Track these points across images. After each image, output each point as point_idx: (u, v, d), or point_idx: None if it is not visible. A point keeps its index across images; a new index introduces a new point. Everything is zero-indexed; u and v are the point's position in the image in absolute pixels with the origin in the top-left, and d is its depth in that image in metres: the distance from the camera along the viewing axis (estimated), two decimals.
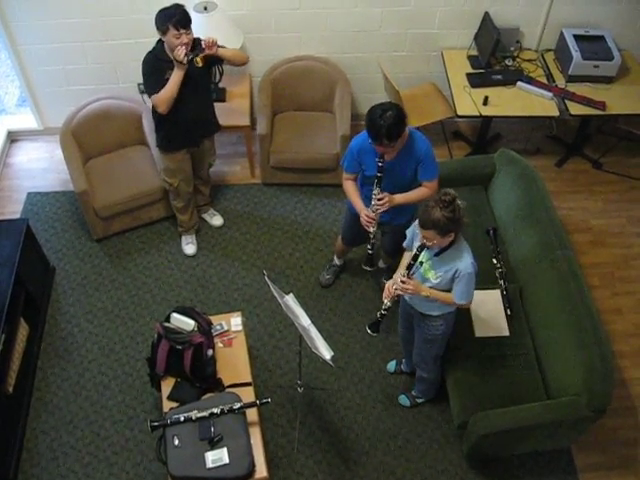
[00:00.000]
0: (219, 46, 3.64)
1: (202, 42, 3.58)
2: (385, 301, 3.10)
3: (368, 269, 3.76)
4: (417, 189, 3.45)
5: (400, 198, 3.40)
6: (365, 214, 3.41)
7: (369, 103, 5.23)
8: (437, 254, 2.93)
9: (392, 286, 3.04)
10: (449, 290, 2.99)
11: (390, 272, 4.24)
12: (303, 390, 3.66)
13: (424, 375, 3.59)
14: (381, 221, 3.55)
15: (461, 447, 3.59)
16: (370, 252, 3.63)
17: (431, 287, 3.01)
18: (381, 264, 4.30)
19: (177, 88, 3.60)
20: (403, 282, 2.97)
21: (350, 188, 3.54)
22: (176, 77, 3.58)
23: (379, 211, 3.37)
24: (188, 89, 3.68)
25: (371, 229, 3.46)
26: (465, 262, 2.89)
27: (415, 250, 2.93)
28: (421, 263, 2.98)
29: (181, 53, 3.48)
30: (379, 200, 3.33)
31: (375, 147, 3.19)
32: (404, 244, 3.20)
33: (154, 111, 3.80)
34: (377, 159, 3.24)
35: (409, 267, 2.98)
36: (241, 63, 3.84)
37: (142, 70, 3.68)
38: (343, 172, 3.55)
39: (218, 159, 4.49)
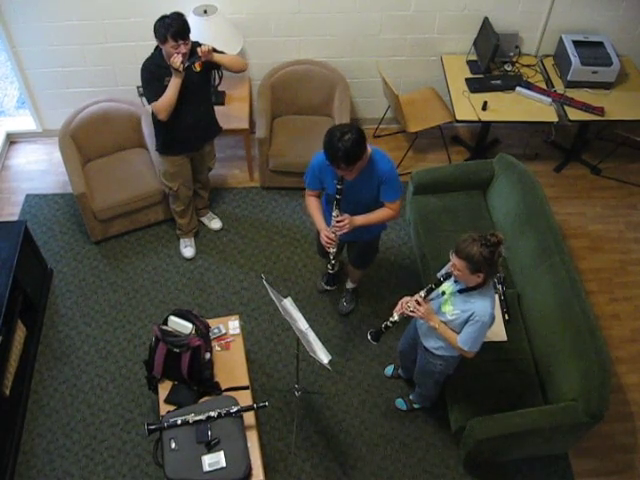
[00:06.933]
0: (216, 51, 3.64)
1: (198, 50, 3.57)
2: (394, 314, 3.01)
3: (328, 288, 3.68)
4: (378, 210, 3.34)
5: (361, 219, 3.29)
6: (325, 234, 3.30)
7: (368, 107, 5.34)
8: (461, 291, 2.84)
9: (406, 302, 2.96)
10: (459, 333, 2.91)
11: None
12: (300, 394, 3.66)
13: (423, 392, 3.58)
14: (346, 240, 3.48)
15: (458, 452, 3.59)
16: (330, 271, 3.52)
17: (444, 322, 2.93)
18: (349, 284, 4.18)
19: (176, 95, 3.61)
20: (418, 302, 2.91)
21: (311, 204, 3.44)
22: (174, 84, 3.58)
23: (339, 233, 3.27)
24: (187, 94, 3.68)
25: (331, 249, 3.36)
26: (485, 309, 2.79)
27: (440, 276, 2.87)
28: (443, 293, 2.92)
29: (177, 61, 3.48)
30: (338, 222, 3.24)
31: (334, 169, 3.10)
32: (438, 275, 2.93)
33: (154, 115, 3.80)
34: (335, 181, 3.15)
35: (429, 290, 2.92)
36: (239, 70, 3.83)
37: (141, 77, 3.68)
38: (306, 188, 3.45)
39: (217, 162, 4.49)
